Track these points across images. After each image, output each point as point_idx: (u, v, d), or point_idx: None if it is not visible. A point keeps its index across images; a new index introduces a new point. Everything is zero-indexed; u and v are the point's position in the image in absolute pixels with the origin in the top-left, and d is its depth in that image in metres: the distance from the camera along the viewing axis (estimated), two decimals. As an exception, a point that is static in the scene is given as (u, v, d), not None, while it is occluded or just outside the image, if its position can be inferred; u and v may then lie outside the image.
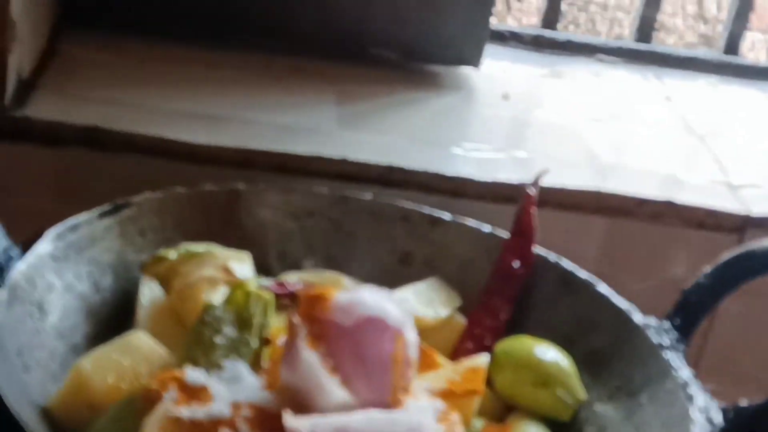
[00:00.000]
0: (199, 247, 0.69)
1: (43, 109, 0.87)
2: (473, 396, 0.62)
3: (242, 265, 0.69)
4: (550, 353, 0.67)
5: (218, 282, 0.66)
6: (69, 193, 0.86)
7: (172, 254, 0.68)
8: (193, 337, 0.62)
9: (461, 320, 0.71)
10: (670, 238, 0.91)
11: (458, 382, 0.63)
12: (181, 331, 0.64)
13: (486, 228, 0.76)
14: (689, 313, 0.67)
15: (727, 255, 0.67)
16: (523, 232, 0.74)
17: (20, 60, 0.87)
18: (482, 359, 0.65)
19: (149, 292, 0.66)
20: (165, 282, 0.67)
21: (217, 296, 0.65)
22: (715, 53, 1.19)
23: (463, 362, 0.65)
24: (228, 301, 0.63)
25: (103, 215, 0.68)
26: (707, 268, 0.68)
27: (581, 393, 0.66)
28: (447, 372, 0.64)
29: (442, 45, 1.06)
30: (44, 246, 0.64)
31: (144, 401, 0.57)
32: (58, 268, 0.65)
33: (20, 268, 0.62)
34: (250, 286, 0.64)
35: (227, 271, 0.67)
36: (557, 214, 0.90)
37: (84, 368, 0.59)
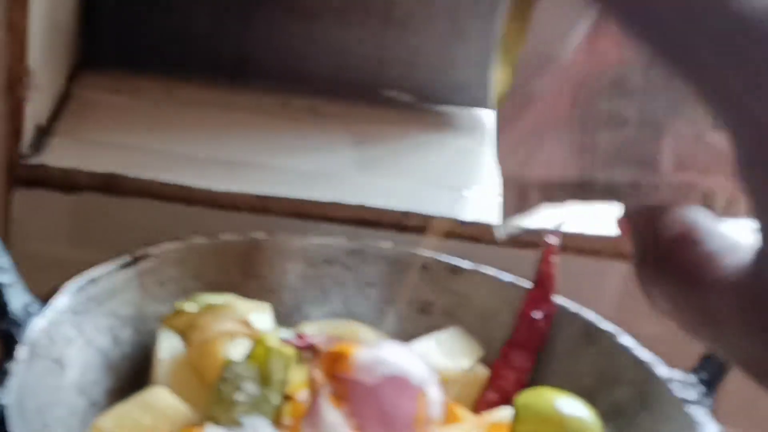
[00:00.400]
0: (218, 299, 0.68)
1: (60, 155, 0.87)
2: None
3: (262, 317, 0.68)
4: (572, 406, 0.66)
5: (238, 335, 0.66)
6: (85, 240, 0.85)
7: (191, 307, 0.67)
8: (214, 395, 0.61)
9: (483, 371, 0.71)
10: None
11: None
12: (200, 386, 0.64)
13: (506, 277, 0.75)
14: (716, 366, 0.66)
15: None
16: (543, 283, 0.73)
17: (37, 107, 0.87)
18: (505, 413, 0.64)
19: (168, 346, 0.66)
20: (185, 335, 0.67)
21: (237, 350, 0.64)
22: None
23: (486, 416, 0.65)
24: (249, 357, 0.62)
25: (122, 267, 0.68)
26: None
27: None
28: (470, 426, 0.64)
29: (457, 87, 1.06)
30: (63, 300, 0.64)
31: (165, 460, 0.57)
32: (78, 322, 0.64)
33: (40, 324, 0.61)
34: (270, 342, 0.63)
35: (247, 324, 0.67)
36: (576, 260, 0.89)
37: (104, 428, 0.59)
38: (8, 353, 0.59)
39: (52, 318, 0.62)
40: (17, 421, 0.55)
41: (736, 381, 0.93)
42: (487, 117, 1.07)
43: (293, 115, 1.02)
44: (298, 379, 0.62)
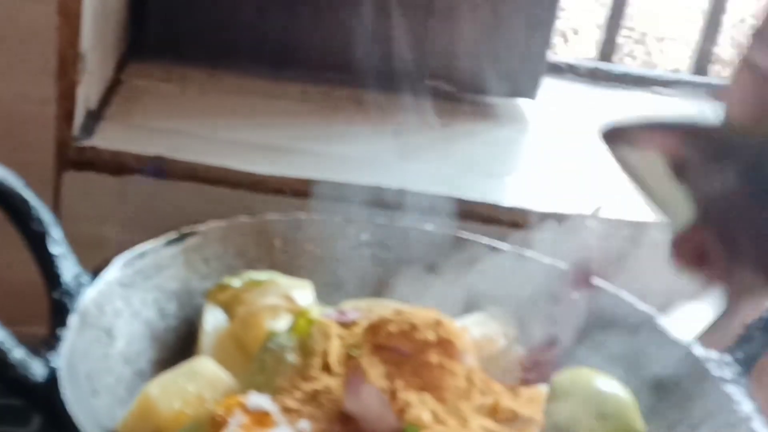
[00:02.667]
0: (262, 275, 0.70)
1: (110, 138, 0.89)
2: (532, 424, 0.62)
3: (304, 294, 0.70)
4: (609, 385, 0.67)
5: (281, 310, 0.67)
6: (134, 221, 0.88)
7: (236, 282, 0.69)
8: (257, 365, 0.63)
9: (519, 351, 0.72)
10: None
11: (517, 410, 0.63)
12: (243, 358, 0.65)
13: (546, 259, 0.76)
14: (752, 347, 0.67)
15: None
16: (583, 264, 0.74)
17: (88, 91, 0.90)
18: (541, 388, 0.65)
19: (213, 319, 0.68)
20: (228, 309, 0.69)
21: (280, 324, 0.66)
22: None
23: (522, 391, 0.66)
24: (291, 328, 0.64)
25: (169, 243, 0.70)
26: (770, 302, 0.67)
27: (641, 426, 0.65)
28: (506, 400, 0.64)
29: (499, 77, 1.07)
30: (112, 272, 0.66)
31: (209, 427, 0.58)
32: (126, 295, 0.66)
33: (90, 294, 0.63)
34: (312, 314, 0.65)
35: (289, 299, 0.69)
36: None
37: (151, 393, 0.60)
38: (60, 322, 0.60)
39: (102, 289, 0.64)
40: (69, 387, 0.56)
41: None
42: (529, 107, 1.08)
43: (336, 104, 1.04)
44: (339, 350, 0.64)
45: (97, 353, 0.62)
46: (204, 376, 0.62)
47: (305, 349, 0.63)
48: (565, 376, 0.68)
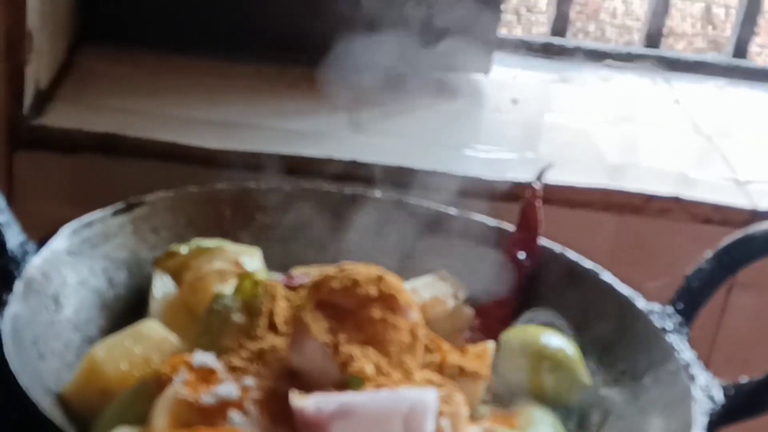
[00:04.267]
0: (210, 242, 0.71)
1: (60, 117, 0.89)
2: (479, 379, 0.63)
3: (252, 260, 0.70)
4: (555, 340, 0.68)
5: (229, 275, 0.68)
6: (85, 199, 0.87)
7: (183, 249, 0.69)
8: (203, 326, 0.63)
9: (468, 311, 0.72)
10: (679, 233, 0.92)
11: (464, 365, 0.64)
12: (192, 322, 0.66)
13: (492, 222, 0.77)
14: (692, 298, 0.68)
15: (727, 240, 0.68)
16: (528, 225, 0.75)
17: (38, 71, 0.90)
18: (488, 344, 0.66)
19: (162, 285, 0.68)
20: (177, 276, 0.69)
21: (228, 289, 0.66)
22: (724, 57, 1.20)
23: (470, 348, 0.66)
24: (237, 290, 0.64)
25: (116, 213, 0.70)
26: (708, 254, 0.68)
27: (586, 378, 0.66)
28: (453, 356, 0.65)
29: (452, 53, 1.07)
30: (59, 241, 0.66)
31: (155, 385, 0.59)
32: (73, 263, 0.67)
33: (36, 262, 0.64)
34: (258, 276, 0.65)
35: (237, 265, 0.69)
36: (567, 212, 0.91)
37: (97, 355, 0.61)
38: (5, 288, 0.61)
39: (48, 257, 0.65)
40: (12, 349, 0.57)
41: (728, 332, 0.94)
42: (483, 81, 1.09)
43: (289, 83, 1.04)
44: (285, 311, 0.64)
45: (43, 319, 0.63)
46: (150, 337, 0.63)
47: (251, 310, 0.63)
48: (512, 333, 0.69)
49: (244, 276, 0.65)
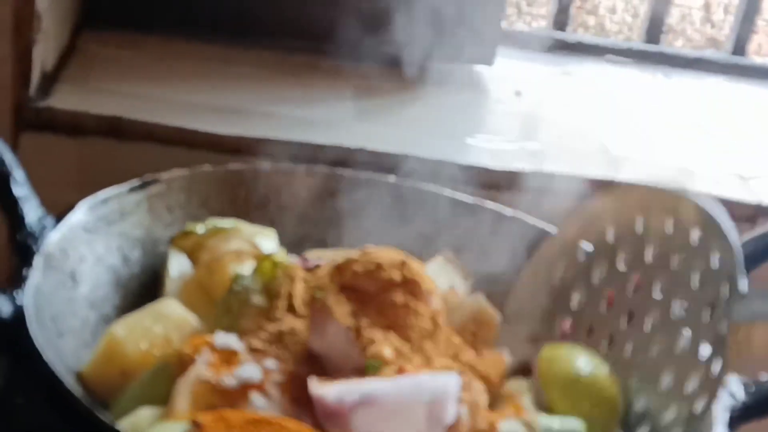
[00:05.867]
0: (226, 222, 0.70)
1: (66, 100, 0.88)
2: (488, 384, 0.62)
3: (268, 241, 0.70)
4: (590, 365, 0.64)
5: (245, 256, 0.67)
6: (90, 182, 0.87)
7: (200, 229, 0.69)
8: (222, 307, 0.63)
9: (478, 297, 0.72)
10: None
11: (476, 366, 0.63)
12: (208, 302, 0.65)
13: (508, 212, 0.76)
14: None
15: (742, 237, 0.68)
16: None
17: (44, 53, 0.89)
18: (503, 355, 0.66)
19: (178, 264, 0.68)
20: (192, 255, 0.69)
21: (244, 269, 0.66)
22: (723, 54, 1.21)
23: (486, 353, 0.66)
24: (256, 271, 0.64)
25: (132, 190, 0.70)
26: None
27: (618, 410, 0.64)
28: (467, 353, 0.64)
29: (457, 44, 1.07)
30: (76, 217, 0.65)
31: (177, 366, 0.58)
32: (90, 240, 0.66)
33: (54, 237, 0.63)
34: (276, 257, 0.65)
35: (253, 245, 0.69)
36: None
37: (118, 334, 0.60)
38: (25, 263, 0.60)
39: (65, 233, 0.64)
40: (36, 326, 0.56)
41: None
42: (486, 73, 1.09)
43: (294, 70, 1.04)
44: (303, 293, 0.64)
45: (61, 296, 0.62)
46: (170, 317, 0.62)
47: (270, 292, 0.63)
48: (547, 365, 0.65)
49: (263, 257, 0.65)
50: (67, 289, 0.63)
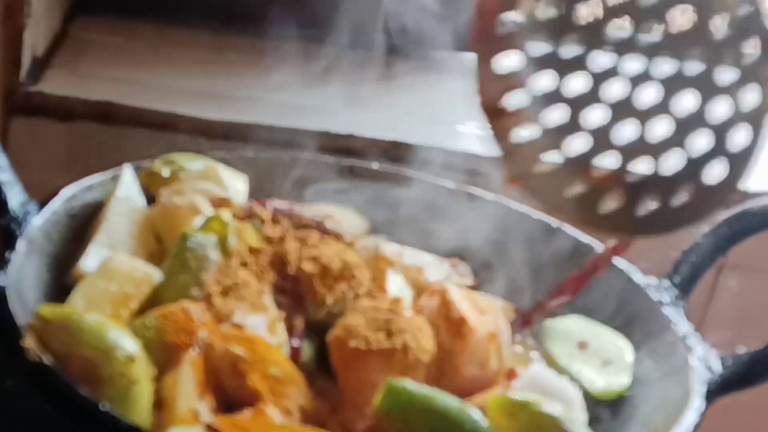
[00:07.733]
0: (195, 164, 0.71)
1: (57, 85, 0.89)
2: None
3: (238, 183, 0.71)
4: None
5: (205, 206, 0.67)
6: (81, 166, 0.87)
7: (165, 172, 0.69)
8: (178, 263, 0.62)
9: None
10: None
11: None
12: (153, 244, 0.66)
13: (512, 203, 0.76)
14: (688, 272, 0.69)
15: (723, 215, 0.69)
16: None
17: (35, 39, 0.89)
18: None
19: (127, 188, 0.68)
20: (153, 192, 0.69)
21: (198, 224, 0.65)
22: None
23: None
24: (206, 228, 0.64)
25: (115, 178, 0.70)
26: (705, 228, 0.69)
27: None
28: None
29: (446, 32, 1.08)
30: (59, 203, 0.66)
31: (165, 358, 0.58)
32: (73, 226, 0.66)
33: (37, 222, 0.63)
34: (225, 218, 0.64)
35: (219, 182, 0.69)
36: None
37: (77, 306, 0.59)
38: (8, 246, 0.61)
39: (49, 218, 0.64)
40: (18, 307, 0.56)
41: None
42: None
43: (285, 58, 1.04)
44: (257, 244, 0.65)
45: (44, 280, 0.63)
46: (121, 272, 0.61)
47: (224, 249, 0.63)
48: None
49: (211, 219, 0.64)
50: (51, 274, 0.63)
